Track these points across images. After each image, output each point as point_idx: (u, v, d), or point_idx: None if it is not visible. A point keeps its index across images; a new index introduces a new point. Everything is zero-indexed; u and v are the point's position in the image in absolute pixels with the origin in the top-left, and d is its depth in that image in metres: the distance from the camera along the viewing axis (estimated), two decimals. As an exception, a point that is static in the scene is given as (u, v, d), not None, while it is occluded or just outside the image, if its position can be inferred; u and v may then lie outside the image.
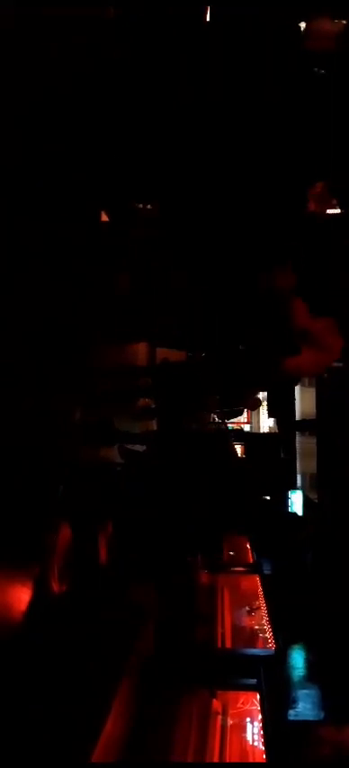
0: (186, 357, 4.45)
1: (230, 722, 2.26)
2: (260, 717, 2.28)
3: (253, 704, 2.36)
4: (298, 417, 8.18)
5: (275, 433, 9.19)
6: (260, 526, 4.78)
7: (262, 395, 8.05)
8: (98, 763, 1.67)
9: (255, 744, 2.17)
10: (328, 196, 2.42)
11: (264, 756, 2.09)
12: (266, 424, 12.64)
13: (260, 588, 3.70)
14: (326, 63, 2.42)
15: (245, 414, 10.37)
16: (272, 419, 10.16)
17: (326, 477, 6.00)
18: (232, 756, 2.10)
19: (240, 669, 2.69)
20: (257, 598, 3.54)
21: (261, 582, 3.81)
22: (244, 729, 2.24)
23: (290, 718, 3.10)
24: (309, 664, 3.81)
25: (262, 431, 13.00)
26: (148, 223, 2.41)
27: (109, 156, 2.08)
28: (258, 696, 2.40)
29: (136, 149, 2.08)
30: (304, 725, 3.02)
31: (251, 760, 2.10)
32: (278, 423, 8.10)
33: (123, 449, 4.03)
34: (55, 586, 2.10)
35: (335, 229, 2.38)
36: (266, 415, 11.11)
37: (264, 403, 8.89)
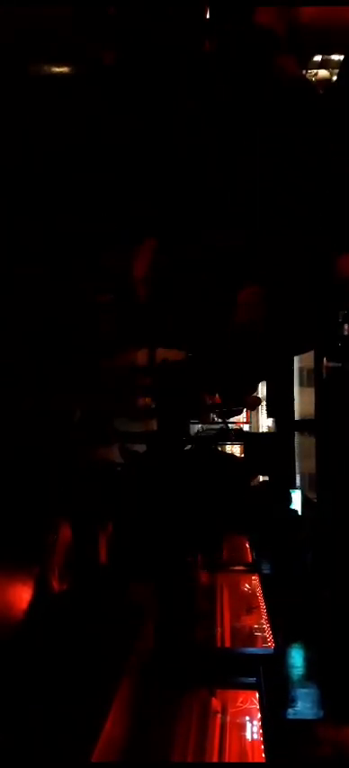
0: (186, 357, 4.46)
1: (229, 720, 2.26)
2: (259, 716, 2.29)
3: (252, 703, 2.37)
4: (297, 417, 8.18)
5: (274, 432, 9.21)
6: (260, 526, 4.79)
7: (261, 394, 8.06)
8: (98, 763, 1.67)
9: (255, 743, 2.17)
10: None
11: (264, 755, 2.09)
12: (265, 423, 12.65)
13: (259, 588, 3.71)
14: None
15: (244, 413, 10.38)
16: (271, 419, 10.17)
17: (325, 477, 6.00)
18: (231, 755, 2.11)
19: (239, 668, 2.69)
20: (256, 597, 3.55)
21: (260, 581, 3.82)
22: (243, 728, 2.25)
23: (290, 717, 3.11)
24: (309, 663, 3.81)
25: (261, 430, 13.02)
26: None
27: (107, 161, 2.08)
28: (257, 695, 2.41)
29: (134, 158, 2.08)
30: (303, 724, 3.02)
31: (250, 759, 2.11)
32: (277, 422, 8.10)
33: (123, 448, 4.03)
34: (55, 586, 2.11)
35: None
36: (265, 414, 11.12)
37: (264, 402, 8.91)
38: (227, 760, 2.09)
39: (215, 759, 2.09)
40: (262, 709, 2.31)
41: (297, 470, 7.88)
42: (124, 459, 3.93)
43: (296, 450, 7.94)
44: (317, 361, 6.04)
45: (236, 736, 2.20)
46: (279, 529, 5.10)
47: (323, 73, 5.12)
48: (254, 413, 12.14)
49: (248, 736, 2.21)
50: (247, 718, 2.30)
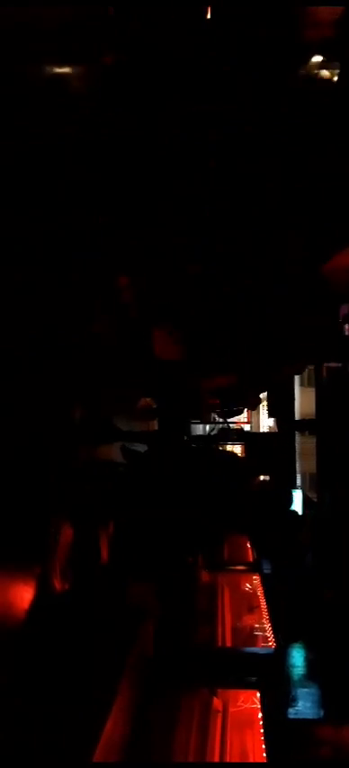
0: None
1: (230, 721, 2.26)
2: (260, 715, 2.29)
3: (253, 703, 2.37)
4: (297, 417, 8.18)
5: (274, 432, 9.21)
6: (260, 525, 4.79)
7: (262, 394, 8.06)
8: (98, 763, 1.67)
9: (256, 742, 2.17)
10: None
11: (264, 755, 2.09)
12: (266, 423, 12.65)
13: (260, 587, 3.70)
14: (324, 51, 2.43)
15: (245, 413, 10.38)
16: (272, 419, 10.17)
17: (325, 476, 6.01)
18: (232, 755, 2.11)
19: (240, 668, 2.69)
20: (257, 597, 3.55)
21: (261, 581, 3.81)
22: (244, 728, 2.25)
23: (291, 716, 3.11)
24: (309, 662, 3.81)
25: (262, 430, 13.02)
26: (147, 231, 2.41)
27: (106, 158, 2.08)
28: (258, 694, 2.41)
29: (130, 158, 2.09)
30: (304, 723, 3.02)
31: (251, 759, 2.11)
32: (278, 422, 8.10)
33: (125, 448, 4.03)
34: (56, 586, 2.11)
35: None
36: (266, 414, 11.11)
37: (264, 402, 8.91)
38: (228, 760, 2.09)
39: (216, 759, 2.09)
40: (263, 709, 2.31)
41: (297, 470, 7.88)
42: (126, 460, 3.93)
43: (296, 450, 7.94)
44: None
45: (237, 736, 2.20)
46: (280, 529, 5.10)
47: (324, 73, 5.11)
48: (254, 413, 12.14)
49: (249, 735, 2.21)
50: (248, 717, 2.30)
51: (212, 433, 7.80)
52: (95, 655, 1.99)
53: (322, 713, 3.19)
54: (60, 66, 2.03)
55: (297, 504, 6.59)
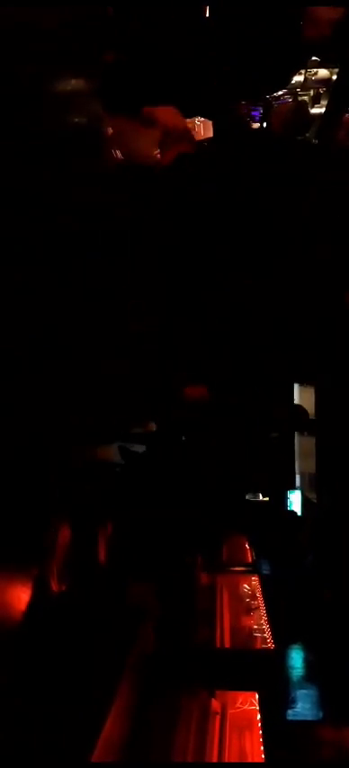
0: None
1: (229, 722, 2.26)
2: (259, 716, 2.29)
3: (252, 704, 2.37)
4: (297, 417, 8.17)
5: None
6: (259, 526, 4.79)
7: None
8: (98, 763, 1.67)
9: (254, 743, 2.17)
10: None
11: (263, 756, 2.10)
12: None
13: (259, 588, 3.70)
14: (323, 51, 2.43)
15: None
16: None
17: (325, 477, 6.01)
18: (231, 756, 2.11)
19: (239, 669, 2.69)
20: (256, 598, 3.55)
21: (260, 582, 3.82)
22: (243, 729, 2.25)
23: (290, 717, 3.11)
24: (309, 663, 3.82)
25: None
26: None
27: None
28: (257, 696, 2.41)
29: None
30: (303, 725, 3.03)
31: (250, 760, 2.11)
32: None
33: (123, 449, 4.03)
34: (54, 587, 2.10)
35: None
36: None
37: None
38: (226, 761, 2.09)
39: (215, 760, 2.09)
40: (261, 710, 2.31)
41: (297, 470, 7.88)
42: (124, 460, 3.92)
43: (296, 450, 7.94)
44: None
45: (235, 737, 2.20)
46: (279, 529, 5.10)
47: (323, 72, 5.12)
48: (254, 413, 12.11)
49: (248, 736, 2.21)
50: (247, 718, 2.30)
51: None
52: (95, 655, 1.99)
53: (321, 714, 3.19)
54: (60, 66, 2.02)
55: (297, 505, 6.60)
